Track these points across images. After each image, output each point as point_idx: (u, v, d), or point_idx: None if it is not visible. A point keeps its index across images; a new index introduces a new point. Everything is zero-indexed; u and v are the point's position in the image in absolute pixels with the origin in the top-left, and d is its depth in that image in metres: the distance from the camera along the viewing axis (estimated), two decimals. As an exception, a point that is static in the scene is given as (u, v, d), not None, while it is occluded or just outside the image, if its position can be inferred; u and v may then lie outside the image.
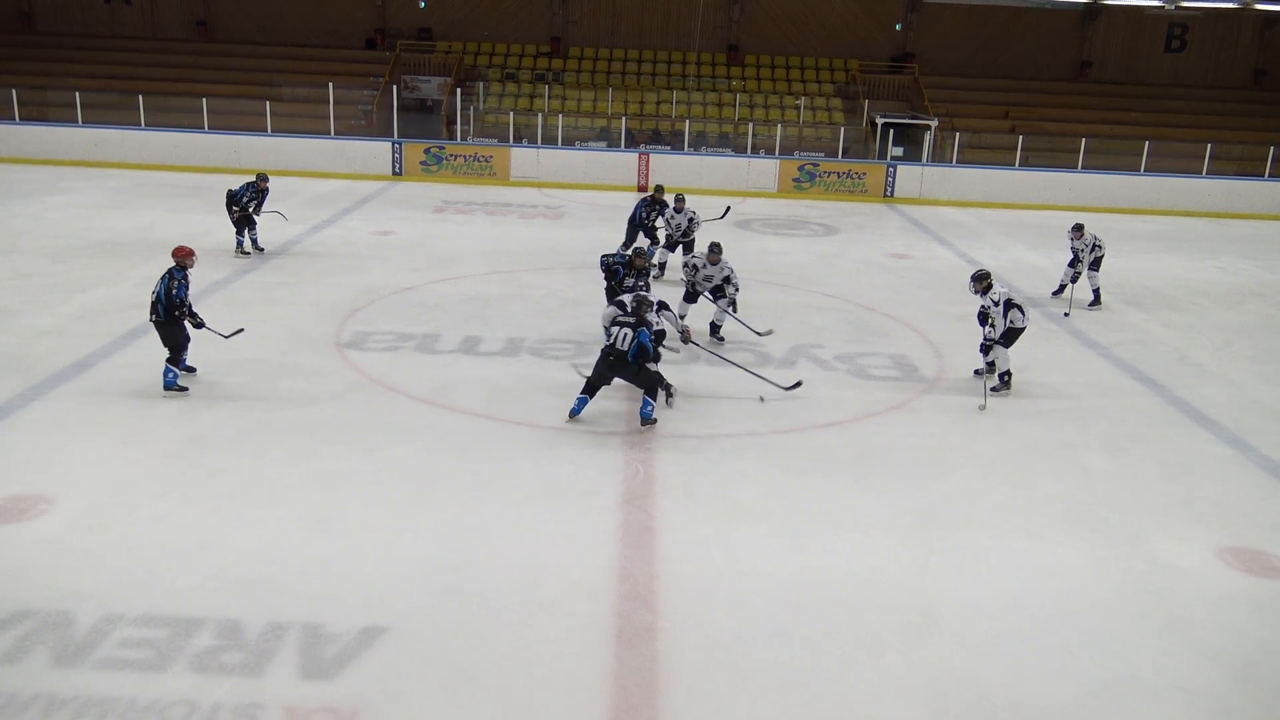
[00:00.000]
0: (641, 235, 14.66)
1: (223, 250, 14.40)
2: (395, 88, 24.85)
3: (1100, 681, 5.47)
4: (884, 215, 21.39)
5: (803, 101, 27.12)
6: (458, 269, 14.23)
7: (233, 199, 14.33)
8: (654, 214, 14.58)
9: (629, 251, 10.86)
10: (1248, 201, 22.84)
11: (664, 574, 6.31)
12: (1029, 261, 16.77)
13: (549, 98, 26.74)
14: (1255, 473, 8.40)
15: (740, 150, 24.83)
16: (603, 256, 10.86)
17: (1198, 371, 11.09)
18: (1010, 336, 9.97)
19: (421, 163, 23.51)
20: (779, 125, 24.93)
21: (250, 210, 14.44)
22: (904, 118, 25.88)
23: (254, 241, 14.60)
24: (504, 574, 6.20)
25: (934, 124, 25.04)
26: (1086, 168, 23.23)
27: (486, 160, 23.50)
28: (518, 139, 24.50)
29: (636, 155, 23.53)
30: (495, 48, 29.39)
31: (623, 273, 10.50)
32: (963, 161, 23.77)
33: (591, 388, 8.69)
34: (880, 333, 12.03)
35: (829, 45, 29.22)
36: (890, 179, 23.25)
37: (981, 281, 10.01)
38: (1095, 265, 13.87)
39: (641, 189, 22.94)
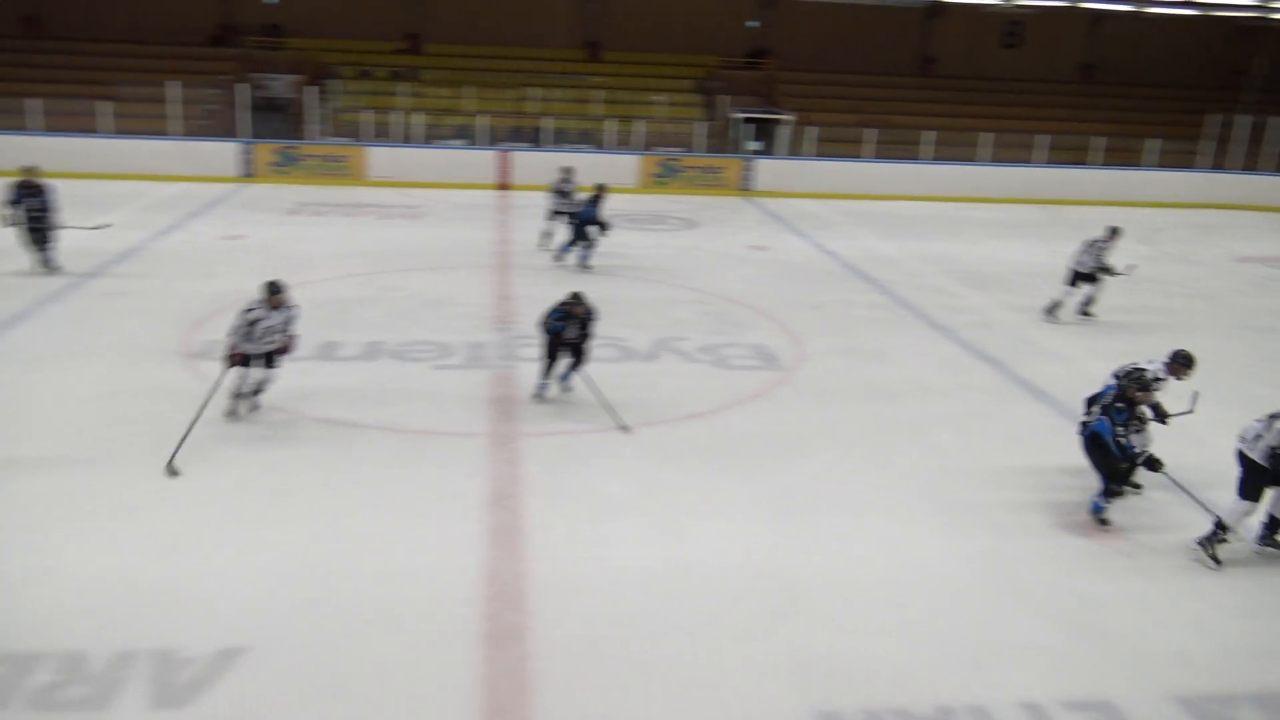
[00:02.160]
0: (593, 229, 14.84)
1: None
2: (243, 86, 23.94)
3: (955, 646, 5.74)
4: (742, 208, 21.82)
5: (662, 98, 27.40)
6: (313, 272, 13.82)
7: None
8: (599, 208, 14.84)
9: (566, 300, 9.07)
10: (1078, 188, 24.24)
11: (532, 573, 6.29)
12: (881, 251, 17.37)
13: (406, 95, 26.23)
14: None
15: (601, 146, 24.90)
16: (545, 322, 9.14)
17: (1036, 350, 11.71)
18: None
19: (273, 164, 22.73)
20: (639, 121, 25.13)
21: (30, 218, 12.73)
22: (761, 113, 26.45)
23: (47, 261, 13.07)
24: (367, 584, 6.07)
25: (789, 119, 25.67)
26: (932, 159, 24.23)
27: (342, 160, 22.90)
28: (374, 137, 23.96)
29: (497, 153, 23.33)
30: (349, 44, 28.64)
31: (563, 328, 9.02)
32: (817, 155, 24.46)
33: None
34: (741, 324, 12.28)
35: (687, 41, 29.59)
36: (748, 173, 23.73)
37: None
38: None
39: (504, 187, 22.77)
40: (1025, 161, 24.42)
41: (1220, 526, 6.88)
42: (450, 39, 29.16)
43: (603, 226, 14.83)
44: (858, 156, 24.31)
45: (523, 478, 7.65)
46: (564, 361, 9.16)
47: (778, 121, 25.91)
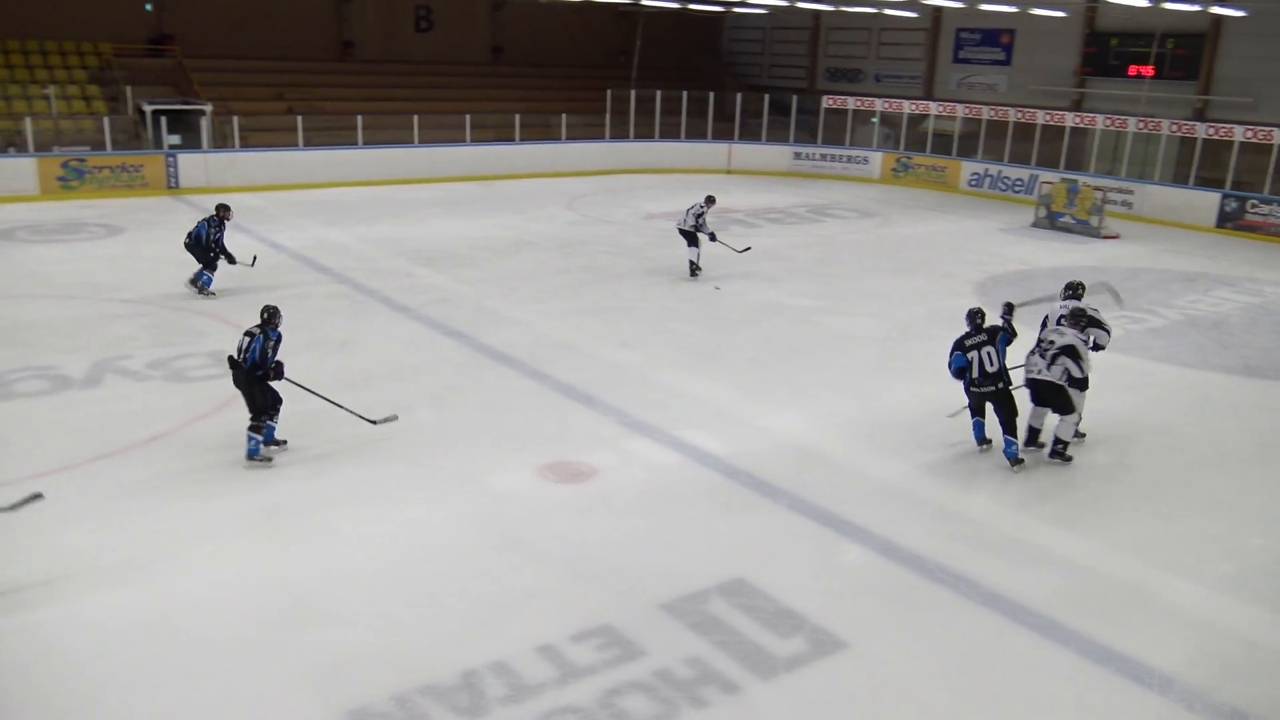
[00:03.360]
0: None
1: None
2: None
3: (468, 611, 5.99)
4: (172, 208, 20.07)
5: (52, 90, 24.07)
6: None
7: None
8: None
9: None
10: (506, 163, 25.86)
11: (-16, 655, 5.36)
12: (330, 239, 17.07)
13: None
14: (553, 397, 9.72)
15: (-15, 150, 21.28)
16: None
17: (495, 318, 12.40)
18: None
19: None
20: (28, 119, 21.87)
21: None
22: (174, 103, 24.37)
23: None
24: None
25: (208, 109, 24.03)
26: (366, 143, 24.27)
27: None
28: None
29: None
30: None
31: None
32: (246, 146, 23.25)
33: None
34: (193, 331, 11.39)
35: (75, 27, 26.20)
36: (172, 169, 21.84)
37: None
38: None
39: None
40: (457, 141, 25.45)
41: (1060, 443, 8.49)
42: None
43: None
44: (289, 145, 23.54)
45: (-51, 548, 6.43)
46: None
47: (195, 112, 24.13)
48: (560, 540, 6.92)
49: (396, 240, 16.90)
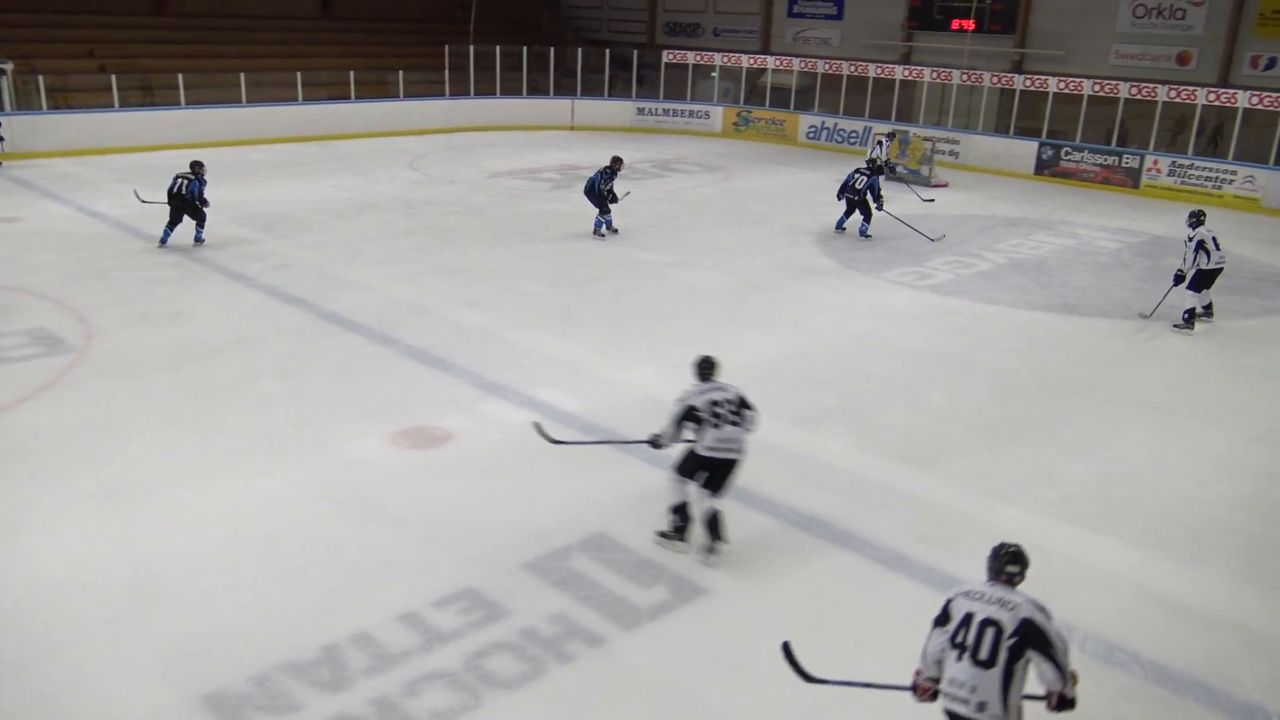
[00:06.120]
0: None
1: None
2: None
3: (328, 584, 5.87)
4: (-27, 176, 18.57)
5: None
6: None
7: None
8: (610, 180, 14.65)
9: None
10: (343, 122, 24.94)
11: None
12: (156, 205, 16.10)
13: None
14: (403, 362, 9.54)
15: None
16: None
17: (338, 283, 12.03)
18: (1199, 280, 11.29)
19: None
20: None
21: None
22: (-32, 62, 22.43)
23: None
24: None
25: (8, 67, 22.20)
26: (191, 103, 22.96)
27: None
28: None
29: None
30: None
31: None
32: (55, 108, 21.64)
33: None
34: (6, 309, 10.61)
35: None
36: (-28, 134, 20.14)
37: (1191, 217, 11.46)
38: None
39: None
40: (289, 100, 24.36)
41: None
42: None
43: None
44: (107, 106, 22.04)
45: None
46: None
47: (-4, 71, 22.28)
48: (418, 506, 6.84)
49: (231, 204, 16.11)
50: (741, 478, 6.39)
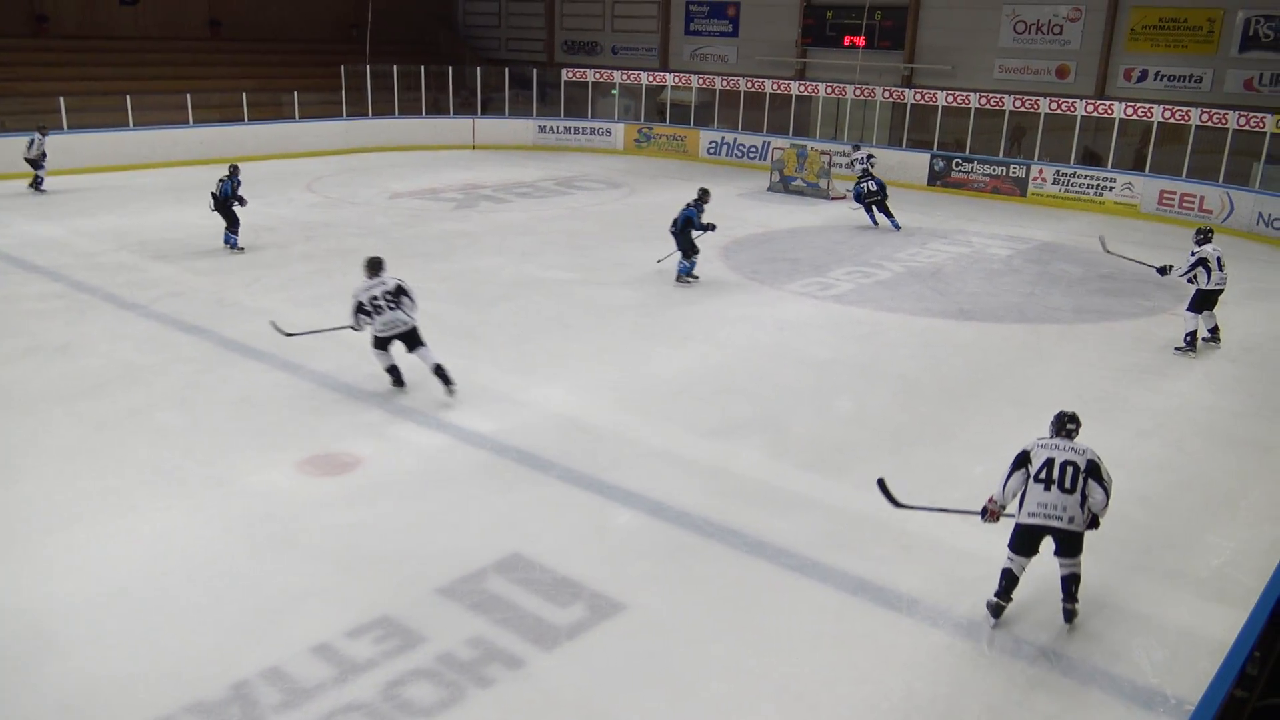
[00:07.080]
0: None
1: None
2: None
3: (235, 617, 5.68)
4: None
5: None
6: None
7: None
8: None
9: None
10: (237, 145, 24.29)
11: None
12: (40, 234, 15.45)
13: None
14: (309, 388, 9.33)
15: None
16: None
17: (238, 310, 11.71)
18: (1199, 301, 11.11)
19: None
20: None
21: None
22: None
23: None
24: None
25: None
26: (74, 127, 22.13)
27: None
28: None
29: None
30: None
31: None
32: (-75, 133, 20.64)
33: None
34: (-122, 347, 10.05)
35: None
36: None
37: (1199, 234, 11.24)
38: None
39: None
40: (179, 123, 23.66)
41: None
42: None
43: None
44: (-20, 131, 21.10)
45: None
46: None
47: None
48: (328, 535, 6.69)
49: (119, 232, 15.57)
50: (657, 490, 6.40)
